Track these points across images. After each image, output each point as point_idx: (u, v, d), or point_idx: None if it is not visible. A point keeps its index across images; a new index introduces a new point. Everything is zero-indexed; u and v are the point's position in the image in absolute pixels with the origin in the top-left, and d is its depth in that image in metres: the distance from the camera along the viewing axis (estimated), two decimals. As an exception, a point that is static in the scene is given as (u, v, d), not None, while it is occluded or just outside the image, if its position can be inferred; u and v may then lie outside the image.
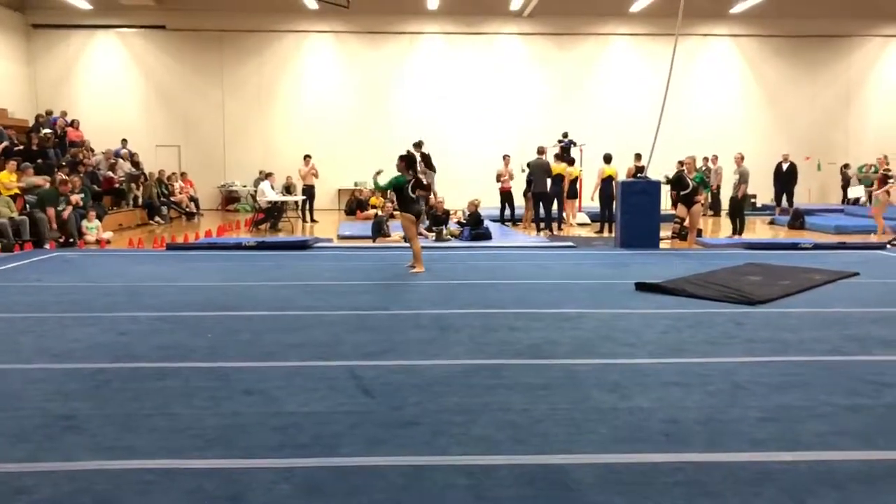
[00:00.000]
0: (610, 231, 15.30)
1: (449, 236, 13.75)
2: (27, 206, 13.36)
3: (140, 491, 3.20)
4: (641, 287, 8.25)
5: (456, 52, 22.85)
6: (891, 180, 15.79)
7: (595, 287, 8.58)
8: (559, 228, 16.06)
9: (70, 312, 7.04)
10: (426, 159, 17.22)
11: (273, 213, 16.87)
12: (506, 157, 17.38)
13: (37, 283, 8.92)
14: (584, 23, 22.74)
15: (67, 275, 9.57)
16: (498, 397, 4.47)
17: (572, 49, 22.95)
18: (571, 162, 17.11)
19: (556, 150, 16.77)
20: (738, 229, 14.78)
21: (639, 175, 13.71)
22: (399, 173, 9.92)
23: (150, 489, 3.22)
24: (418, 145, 17.38)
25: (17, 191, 13.58)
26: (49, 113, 19.29)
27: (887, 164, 20.12)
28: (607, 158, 16.16)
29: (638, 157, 16.38)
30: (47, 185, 13.89)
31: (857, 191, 21.49)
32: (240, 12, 21.60)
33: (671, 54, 12.53)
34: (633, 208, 12.48)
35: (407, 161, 10.04)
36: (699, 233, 13.86)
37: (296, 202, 18.94)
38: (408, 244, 10.19)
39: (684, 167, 13.48)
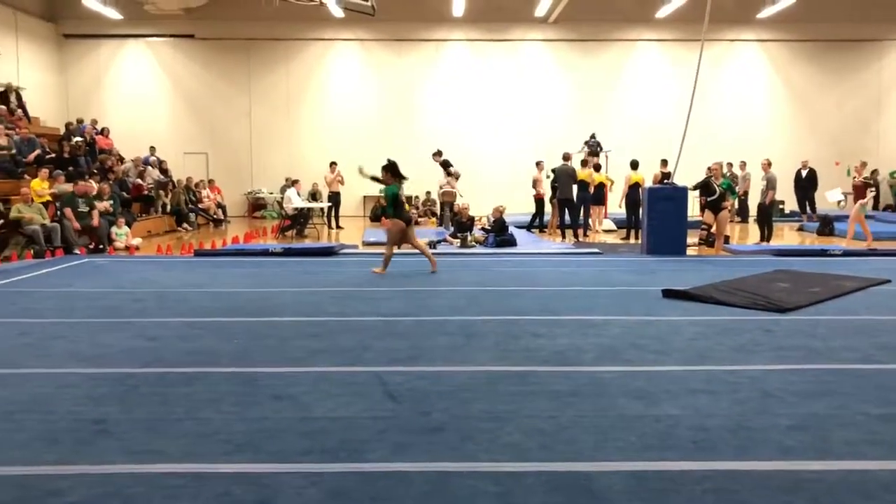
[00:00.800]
0: (636, 237, 15.22)
1: (473, 243, 13.76)
2: (58, 213, 13.57)
3: (170, 495, 3.23)
4: (668, 294, 8.19)
5: (480, 59, 22.90)
6: (871, 189, 15.68)
7: (621, 294, 8.54)
8: (584, 235, 16.00)
9: (100, 318, 7.14)
10: (446, 166, 17.30)
11: (299, 219, 16.99)
12: (539, 164, 17.35)
13: (68, 288, 9.06)
14: (609, 29, 22.68)
15: (97, 280, 9.70)
16: (525, 404, 4.46)
17: (597, 55, 22.90)
18: (598, 167, 17.05)
19: (583, 153, 16.71)
20: (766, 236, 14.62)
21: (665, 181, 13.62)
22: (387, 184, 10.15)
23: (180, 493, 3.25)
24: (437, 154, 17.47)
25: (49, 198, 13.80)
26: (80, 121, 19.60)
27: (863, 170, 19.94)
28: (634, 165, 16.08)
29: (664, 163, 16.29)
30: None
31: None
32: (267, 21, 21.81)
33: (698, 60, 12.46)
34: (659, 214, 12.41)
35: (391, 170, 10.14)
36: (726, 239, 13.74)
37: (321, 209, 19.06)
38: (416, 251, 10.45)
39: (712, 173, 13.38)
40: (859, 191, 15.09)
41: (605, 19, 22.42)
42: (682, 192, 12.62)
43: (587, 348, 5.83)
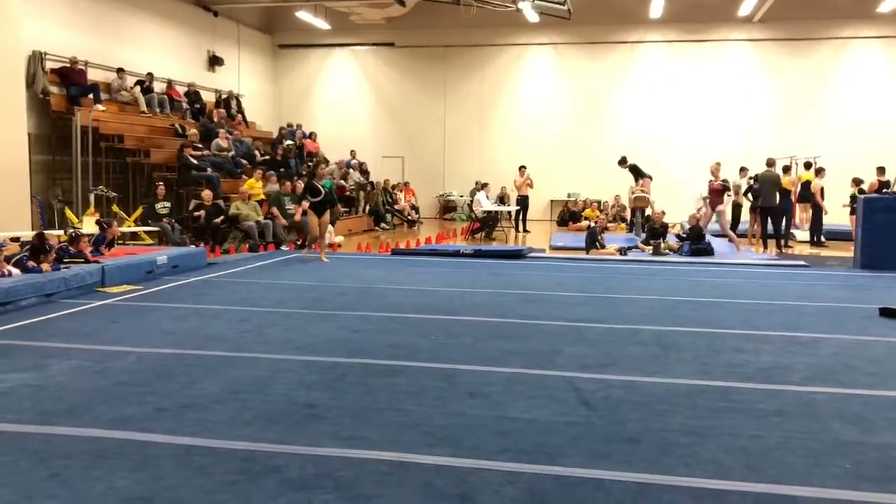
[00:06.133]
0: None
1: (667, 250, 13.33)
2: (270, 211, 14.71)
3: (376, 482, 3.40)
4: (886, 313, 7.53)
5: (678, 61, 22.11)
6: (729, 192, 14.39)
7: (832, 310, 7.95)
8: (787, 245, 15.02)
9: (309, 309, 7.66)
10: (635, 171, 16.91)
11: (488, 222, 17.27)
12: (743, 170, 16.55)
13: (280, 281, 9.79)
14: (821, 26, 21.10)
15: (305, 275, 10.41)
16: (726, 421, 4.28)
17: (806, 55, 21.36)
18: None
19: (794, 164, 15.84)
20: None
21: (885, 190, 12.52)
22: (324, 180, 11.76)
23: (386, 480, 3.42)
24: (623, 161, 17.13)
25: (263, 196, 14.97)
26: (290, 126, 21.12)
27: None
28: (806, 165, 15.17)
29: (881, 170, 14.97)
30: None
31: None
32: (463, 28, 22.33)
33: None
34: (876, 226, 11.43)
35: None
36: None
37: (509, 212, 19.26)
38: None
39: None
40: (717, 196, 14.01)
41: (817, 17, 20.87)
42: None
43: (795, 367, 5.49)
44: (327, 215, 11.95)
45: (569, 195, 21.92)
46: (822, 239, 15.92)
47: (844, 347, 6.17)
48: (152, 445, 3.82)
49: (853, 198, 14.96)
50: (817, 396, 4.77)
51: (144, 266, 9.64)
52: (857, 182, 15.23)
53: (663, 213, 14.38)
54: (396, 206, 20.20)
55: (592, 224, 15.37)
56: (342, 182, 18.45)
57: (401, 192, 20.99)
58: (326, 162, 18.10)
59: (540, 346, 6.11)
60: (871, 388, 5.00)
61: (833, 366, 5.55)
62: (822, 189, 15.86)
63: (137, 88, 16.68)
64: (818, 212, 15.85)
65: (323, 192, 11.67)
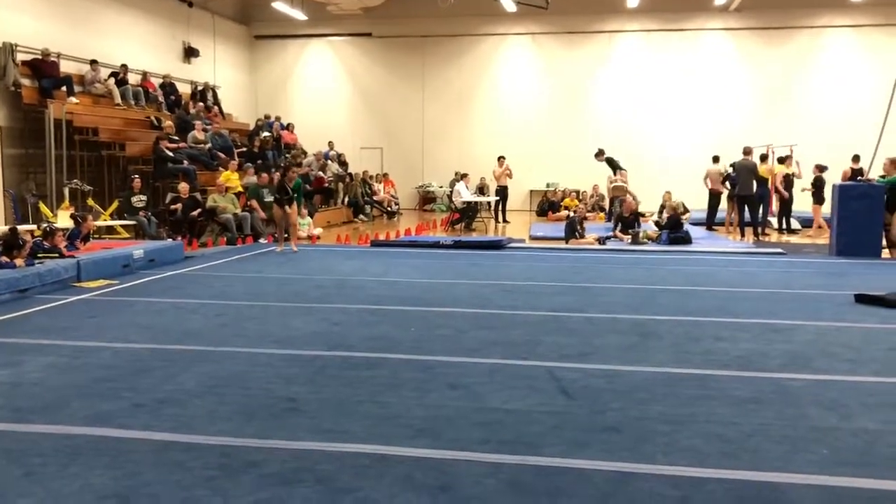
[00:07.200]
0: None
1: (646, 239, 13.39)
2: (248, 203, 14.59)
3: (357, 474, 3.39)
4: (862, 299, 7.61)
5: (655, 51, 22.17)
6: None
7: (808, 297, 8.03)
8: (764, 233, 15.15)
9: (288, 302, 7.62)
10: (611, 164, 17.01)
11: (468, 213, 17.26)
12: (715, 159, 16.67)
13: (257, 274, 9.73)
14: (797, 15, 21.23)
15: (284, 267, 10.35)
16: (704, 408, 4.31)
17: (783, 44, 21.49)
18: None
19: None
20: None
21: (858, 178, 12.65)
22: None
23: (366, 473, 3.40)
24: (600, 154, 17.21)
25: (241, 189, 14.86)
26: (267, 117, 20.96)
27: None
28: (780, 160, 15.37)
29: (856, 158, 15.12)
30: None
31: None
32: (441, 18, 22.26)
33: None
34: (851, 214, 11.55)
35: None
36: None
37: (489, 203, 19.26)
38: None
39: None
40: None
41: (793, 5, 21.01)
42: (878, 189, 11.66)
43: (772, 354, 5.54)
44: (292, 208, 12.17)
45: (548, 185, 21.95)
46: (791, 225, 16.09)
47: (821, 334, 6.23)
48: (129, 441, 3.78)
49: (815, 183, 15.15)
50: (794, 383, 4.81)
51: (120, 260, 9.53)
52: (819, 168, 15.35)
53: (637, 202, 14.42)
54: (376, 198, 20.13)
55: (571, 214, 15.42)
56: (320, 174, 18.35)
57: (380, 183, 20.90)
58: (299, 164, 17.92)
59: (520, 336, 6.12)
60: (847, 374, 5.05)
61: (809, 352, 5.60)
62: (785, 176, 15.97)
63: (112, 80, 16.46)
64: (784, 199, 15.96)
65: (290, 192, 11.99)
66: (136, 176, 13.74)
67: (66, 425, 4.02)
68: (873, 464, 3.52)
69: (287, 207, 12.01)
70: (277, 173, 13.96)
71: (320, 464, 3.50)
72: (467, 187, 18.01)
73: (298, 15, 22.00)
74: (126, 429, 3.95)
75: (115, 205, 13.45)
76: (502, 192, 19.14)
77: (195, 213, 13.45)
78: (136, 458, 3.57)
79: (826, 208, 14.34)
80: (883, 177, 12.38)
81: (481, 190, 19.97)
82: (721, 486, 3.28)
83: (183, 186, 13.62)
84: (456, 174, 20.16)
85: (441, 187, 22.83)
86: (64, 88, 14.75)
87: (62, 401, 4.43)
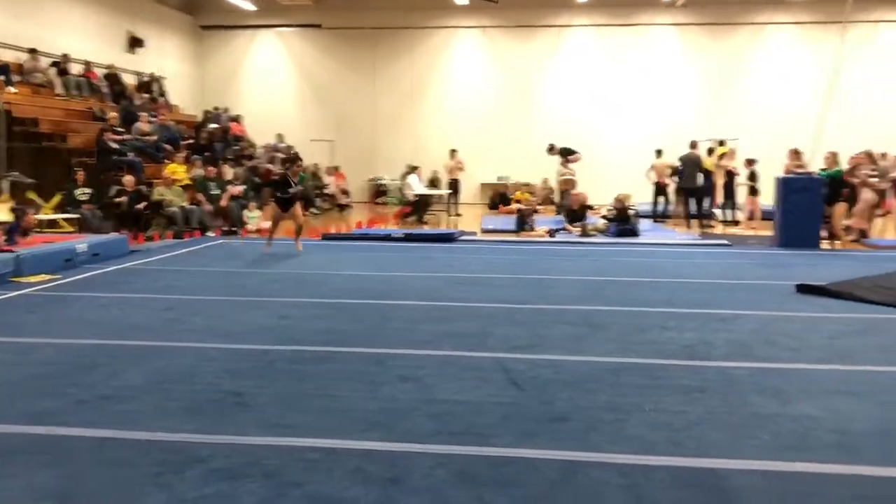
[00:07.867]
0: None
1: (594, 231, 13.55)
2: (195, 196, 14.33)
3: (305, 468, 3.36)
4: (804, 289, 7.82)
5: (605, 45, 22.43)
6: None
7: (752, 287, 8.22)
8: (710, 225, 15.47)
9: (237, 296, 7.51)
10: (565, 152, 17.16)
11: (419, 206, 17.24)
12: (658, 152, 16.92)
13: (205, 268, 9.57)
14: (739, 11, 21.70)
15: (232, 261, 10.21)
16: (651, 397, 4.38)
17: (726, 39, 21.95)
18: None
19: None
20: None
21: (797, 171, 13.00)
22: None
23: (315, 467, 3.38)
24: (551, 149, 17.34)
25: (189, 181, 14.59)
26: (215, 109, 20.61)
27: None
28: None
29: (795, 153, 15.51)
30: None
31: None
32: (392, 10, 22.16)
33: (838, 43, 11.73)
34: (793, 206, 11.86)
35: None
36: (864, 233, 12.96)
37: (441, 195, 19.26)
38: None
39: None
40: None
41: (735, 2, 21.47)
42: (817, 183, 12.00)
43: (717, 343, 5.66)
44: (297, 206, 11.45)
45: (499, 178, 22.05)
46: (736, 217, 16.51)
47: (764, 323, 6.38)
48: (72, 439, 3.69)
49: (750, 177, 15.51)
50: (738, 371, 4.92)
51: (63, 254, 9.28)
52: (749, 162, 15.70)
53: (585, 195, 14.56)
54: (327, 191, 19.96)
55: (522, 207, 15.51)
56: (269, 166, 18.13)
57: (330, 176, 20.73)
58: (252, 146, 17.70)
59: (471, 328, 6.14)
60: (788, 361, 5.18)
61: (752, 341, 5.73)
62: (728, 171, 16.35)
63: (53, 70, 16.00)
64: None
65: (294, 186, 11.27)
66: (80, 169, 13.39)
67: (6, 424, 3.90)
68: (813, 448, 3.63)
69: (291, 206, 11.18)
70: (225, 165, 13.76)
71: (268, 458, 3.46)
72: (419, 180, 17.99)
73: (247, 5, 21.69)
74: (69, 426, 3.86)
75: (57, 198, 13.09)
76: (454, 185, 19.17)
77: (141, 206, 13.16)
78: (80, 455, 3.49)
79: (765, 199, 14.69)
80: (824, 170, 12.76)
81: (433, 183, 19.96)
82: (668, 473, 3.33)
83: (128, 179, 13.32)
84: (407, 167, 20.11)
85: (393, 180, 22.73)
86: (1, 77, 14.29)
87: (2, 399, 4.31)
